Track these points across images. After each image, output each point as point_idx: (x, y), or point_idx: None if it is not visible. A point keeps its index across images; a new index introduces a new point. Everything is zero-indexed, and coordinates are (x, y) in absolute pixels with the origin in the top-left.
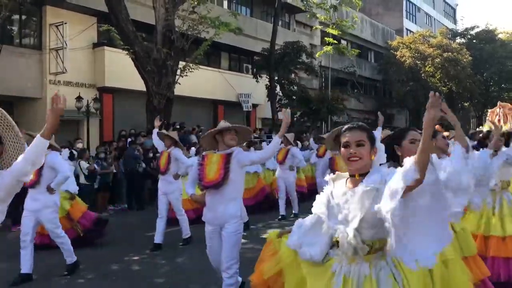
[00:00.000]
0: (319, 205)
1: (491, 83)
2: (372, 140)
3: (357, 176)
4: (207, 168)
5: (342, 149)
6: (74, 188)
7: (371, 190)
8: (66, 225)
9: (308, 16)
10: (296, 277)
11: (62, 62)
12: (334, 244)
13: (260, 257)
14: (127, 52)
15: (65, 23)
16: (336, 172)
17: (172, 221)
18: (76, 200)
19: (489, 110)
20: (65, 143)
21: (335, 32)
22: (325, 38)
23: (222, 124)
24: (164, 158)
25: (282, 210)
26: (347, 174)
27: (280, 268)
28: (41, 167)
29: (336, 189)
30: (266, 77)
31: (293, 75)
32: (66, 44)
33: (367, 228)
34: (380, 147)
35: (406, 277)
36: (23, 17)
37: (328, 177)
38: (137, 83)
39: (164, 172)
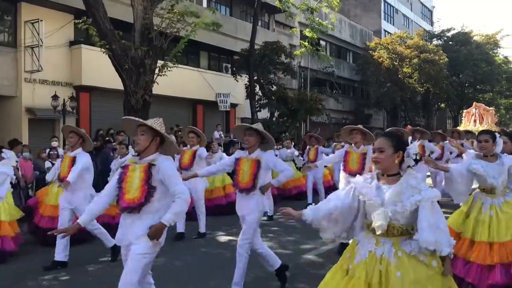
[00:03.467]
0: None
1: (466, 85)
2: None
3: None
4: None
5: None
6: None
7: None
8: None
9: (286, 15)
10: None
11: (38, 60)
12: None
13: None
14: (103, 49)
15: (41, 21)
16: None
17: None
18: None
19: (465, 111)
20: (41, 143)
21: (311, 35)
22: (301, 41)
23: None
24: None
25: (202, 228)
26: None
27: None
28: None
29: None
30: (246, 77)
31: (272, 75)
32: (42, 42)
33: None
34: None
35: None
36: None
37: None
38: (114, 82)
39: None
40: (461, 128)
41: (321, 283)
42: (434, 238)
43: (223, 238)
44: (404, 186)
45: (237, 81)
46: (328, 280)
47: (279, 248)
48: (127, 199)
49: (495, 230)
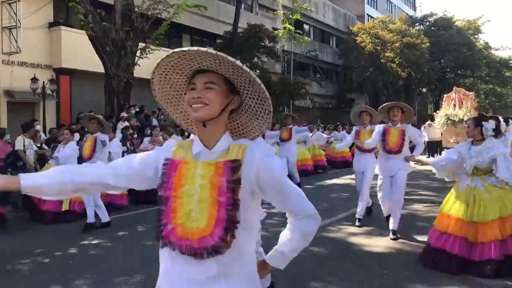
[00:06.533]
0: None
1: (447, 70)
2: None
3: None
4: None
5: None
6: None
7: None
8: None
9: None
10: None
11: (16, 42)
12: None
13: None
14: (87, 26)
15: (18, 1)
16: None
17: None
18: None
19: (445, 95)
20: (19, 128)
21: (296, 16)
22: (282, 22)
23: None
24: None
25: None
26: None
27: None
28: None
29: None
30: None
31: (255, 59)
32: (20, 23)
33: None
34: None
35: None
36: None
37: None
38: (95, 64)
39: None
40: (441, 112)
41: (443, 203)
42: (508, 174)
43: None
44: (483, 147)
45: None
46: (445, 201)
47: (277, 240)
48: None
49: None
